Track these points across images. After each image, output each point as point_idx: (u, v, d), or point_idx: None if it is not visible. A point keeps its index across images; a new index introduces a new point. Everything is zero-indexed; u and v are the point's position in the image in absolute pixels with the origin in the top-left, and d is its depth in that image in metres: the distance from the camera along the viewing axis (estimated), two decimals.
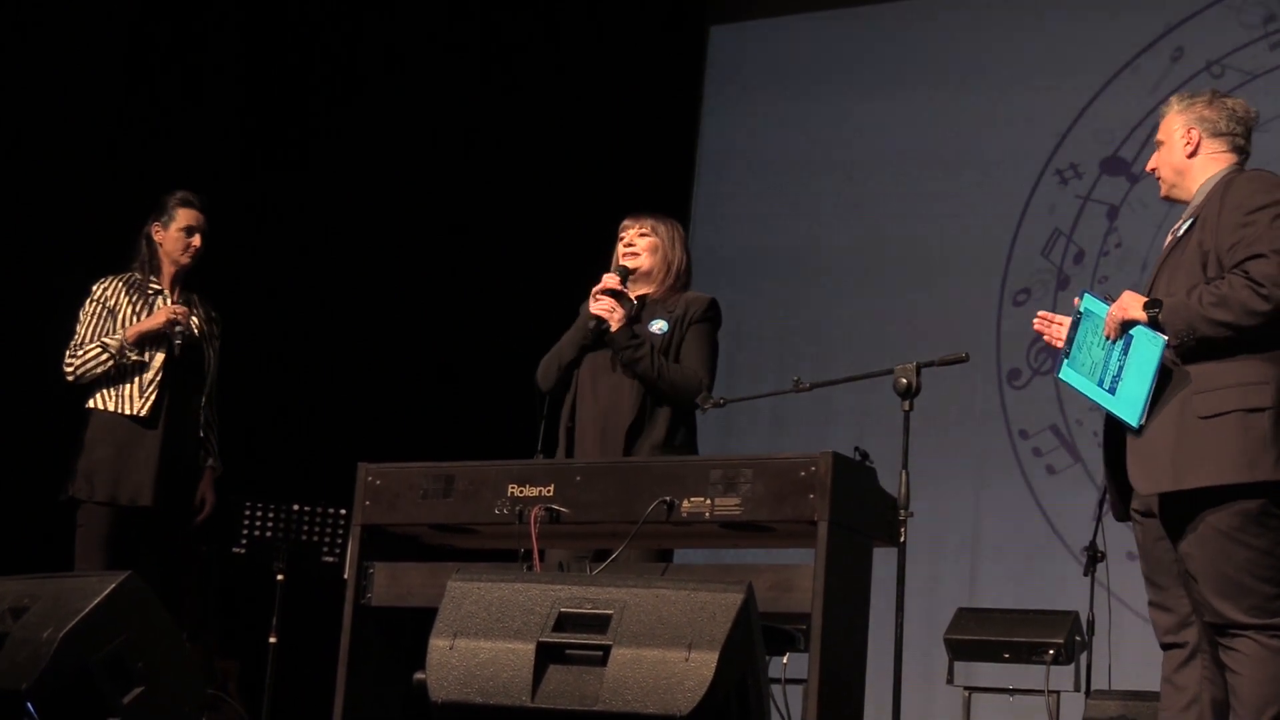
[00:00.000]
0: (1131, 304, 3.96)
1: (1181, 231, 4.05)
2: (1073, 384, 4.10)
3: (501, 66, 9.03)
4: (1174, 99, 4.22)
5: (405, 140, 8.72)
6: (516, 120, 8.89)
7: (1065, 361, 4.12)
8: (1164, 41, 7.88)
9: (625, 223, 4.96)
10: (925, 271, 8.15)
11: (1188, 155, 4.12)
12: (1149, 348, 3.88)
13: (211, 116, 8.14)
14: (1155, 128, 4.24)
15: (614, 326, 4.72)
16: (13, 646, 3.96)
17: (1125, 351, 3.94)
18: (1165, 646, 4.03)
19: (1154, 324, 3.89)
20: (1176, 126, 4.15)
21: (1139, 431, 3.87)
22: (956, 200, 8.19)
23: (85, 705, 3.90)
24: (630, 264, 4.87)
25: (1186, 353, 3.86)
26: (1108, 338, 3.98)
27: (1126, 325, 3.95)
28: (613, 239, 5.02)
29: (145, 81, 7.93)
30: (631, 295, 4.85)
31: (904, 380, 4.37)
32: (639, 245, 4.89)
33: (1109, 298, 4.06)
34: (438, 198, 8.68)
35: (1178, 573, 3.93)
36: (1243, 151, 4.13)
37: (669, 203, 7.18)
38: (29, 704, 3.82)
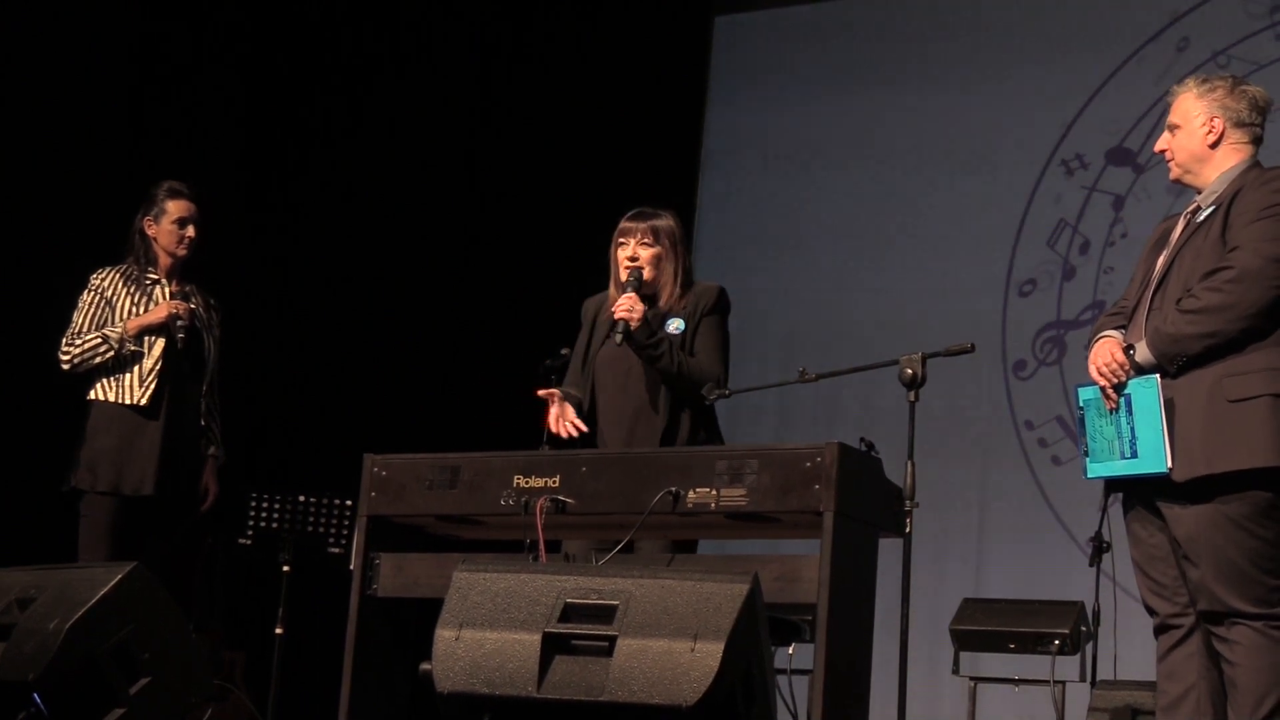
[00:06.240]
0: (1102, 350, 3.94)
1: (1202, 218, 3.98)
2: (1103, 474, 4.01)
3: (507, 56, 9.02)
4: (1191, 81, 4.08)
5: (410, 131, 8.71)
6: (521, 111, 8.88)
7: (1088, 459, 4.02)
8: (1170, 31, 7.85)
9: (623, 227, 4.80)
10: (931, 262, 8.14)
11: (1209, 144, 4.01)
12: (1145, 393, 3.87)
13: (216, 102, 8.13)
14: (1161, 118, 4.17)
15: (634, 325, 4.59)
16: (20, 637, 3.97)
17: (1130, 411, 3.90)
18: (1160, 629, 4.00)
19: (1133, 364, 3.88)
20: (1197, 112, 4.02)
21: (1171, 473, 3.83)
22: (962, 191, 8.17)
23: (92, 696, 3.91)
24: (642, 275, 4.74)
25: (1189, 366, 3.85)
26: (1111, 410, 3.92)
27: (1120, 388, 3.91)
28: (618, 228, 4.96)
29: (148, 70, 7.92)
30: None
31: (909, 371, 4.36)
32: (642, 257, 4.75)
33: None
34: (443, 188, 8.68)
35: (1175, 561, 3.91)
36: (1259, 141, 4.05)
37: (674, 193, 7.18)
38: (36, 695, 3.82)
